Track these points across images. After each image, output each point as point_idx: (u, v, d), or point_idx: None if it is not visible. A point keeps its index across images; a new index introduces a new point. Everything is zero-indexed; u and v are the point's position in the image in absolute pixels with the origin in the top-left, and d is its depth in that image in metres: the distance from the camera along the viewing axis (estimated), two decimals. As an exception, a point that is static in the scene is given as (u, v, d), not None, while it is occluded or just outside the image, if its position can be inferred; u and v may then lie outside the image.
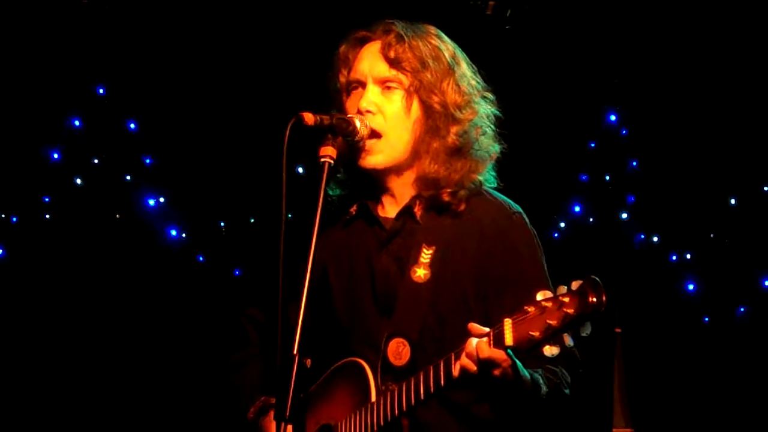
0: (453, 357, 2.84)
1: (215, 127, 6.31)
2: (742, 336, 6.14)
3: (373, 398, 3.04)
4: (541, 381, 2.93)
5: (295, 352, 2.70)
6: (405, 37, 3.20)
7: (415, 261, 3.15)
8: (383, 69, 3.19)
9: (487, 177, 3.26)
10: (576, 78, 6.18)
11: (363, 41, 3.27)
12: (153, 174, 6.41)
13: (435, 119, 3.17)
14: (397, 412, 2.96)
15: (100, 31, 6.14)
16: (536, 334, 2.66)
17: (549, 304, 2.65)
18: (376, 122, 3.16)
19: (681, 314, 6.24)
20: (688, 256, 6.30)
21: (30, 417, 6.22)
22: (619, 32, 6.07)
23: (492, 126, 3.27)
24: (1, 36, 6.06)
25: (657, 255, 6.33)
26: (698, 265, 6.26)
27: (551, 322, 2.63)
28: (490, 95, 3.30)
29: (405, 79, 3.18)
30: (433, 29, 3.28)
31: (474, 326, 2.82)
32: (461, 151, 3.19)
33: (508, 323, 2.73)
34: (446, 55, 3.23)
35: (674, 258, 6.33)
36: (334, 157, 2.99)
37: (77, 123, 6.32)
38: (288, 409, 2.65)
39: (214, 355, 6.01)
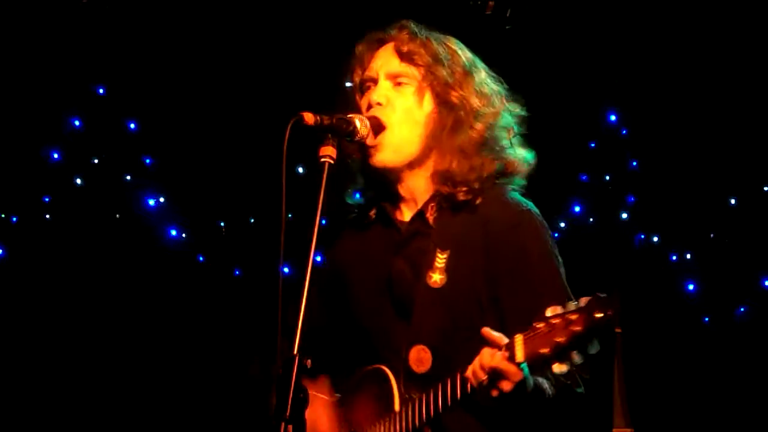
0: (459, 372, 2.84)
1: (215, 127, 6.31)
2: (742, 336, 6.14)
3: (397, 407, 3.04)
4: (545, 385, 2.92)
5: (295, 352, 2.70)
6: (418, 34, 3.20)
7: (431, 266, 3.12)
8: (395, 64, 3.20)
9: (513, 180, 3.23)
10: (576, 78, 6.18)
11: (380, 43, 3.27)
12: (153, 174, 6.41)
13: (453, 115, 3.16)
14: (418, 422, 2.96)
15: (100, 31, 6.14)
16: (546, 350, 2.65)
17: (557, 321, 2.64)
18: (383, 114, 3.15)
19: (681, 314, 6.24)
20: (688, 256, 6.29)
21: (30, 417, 6.22)
22: (619, 32, 6.06)
23: (516, 129, 3.25)
24: (1, 36, 6.06)
25: (657, 255, 6.32)
26: (698, 265, 6.26)
27: (559, 339, 2.62)
28: (514, 103, 3.28)
29: (417, 74, 3.18)
30: (453, 38, 3.29)
31: (487, 331, 2.80)
32: (479, 148, 3.17)
33: (519, 339, 2.72)
34: (463, 57, 3.23)
35: (674, 258, 6.32)
36: (334, 156, 2.98)
37: (77, 123, 6.32)
38: (288, 409, 2.65)
39: (213, 355, 6.02)
